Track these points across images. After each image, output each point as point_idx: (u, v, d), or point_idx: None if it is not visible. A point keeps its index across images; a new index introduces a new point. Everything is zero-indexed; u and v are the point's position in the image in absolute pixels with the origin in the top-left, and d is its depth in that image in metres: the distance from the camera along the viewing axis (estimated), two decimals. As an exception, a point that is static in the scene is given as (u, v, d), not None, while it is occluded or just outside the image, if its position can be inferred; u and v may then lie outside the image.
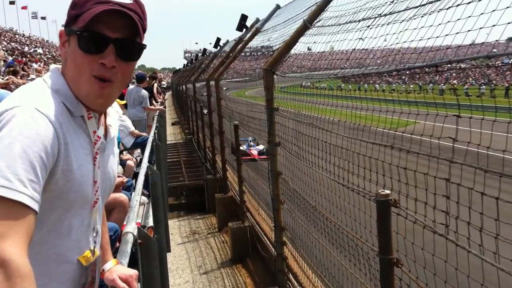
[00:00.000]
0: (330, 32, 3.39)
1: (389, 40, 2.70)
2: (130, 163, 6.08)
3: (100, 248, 1.42)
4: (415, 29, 2.43)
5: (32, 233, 1.00)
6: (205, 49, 13.84)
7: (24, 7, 79.78)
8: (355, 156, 2.80)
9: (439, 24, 2.16)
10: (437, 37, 2.16)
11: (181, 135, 19.14)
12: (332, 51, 3.77)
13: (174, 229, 8.24)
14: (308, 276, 3.90)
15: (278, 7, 5.27)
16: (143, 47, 1.25)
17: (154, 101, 11.21)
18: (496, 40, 1.90)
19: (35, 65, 20.05)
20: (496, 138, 1.94)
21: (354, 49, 3.07)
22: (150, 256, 2.34)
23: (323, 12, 3.32)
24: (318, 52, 3.93)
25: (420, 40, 2.38)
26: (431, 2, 2.26)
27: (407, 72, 2.95)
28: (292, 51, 3.82)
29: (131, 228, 2.18)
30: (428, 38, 2.25)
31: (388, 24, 2.68)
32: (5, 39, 32.08)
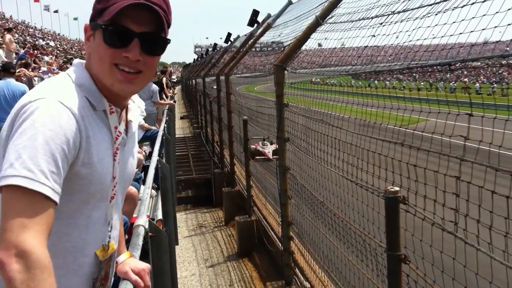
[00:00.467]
0: (342, 29, 3.39)
1: (401, 37, 2.70)
2: (140, 156, 6.14)
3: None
4: (428, 27, 2.43)
5: (51, 225, 1.02)
6: (215, 44, 13.84)
7: (37, 0, 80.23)
8: (365, 152, 2.80)
9: (453, 22, 2.16)
10: (451, 35, 2.15)
11: (189, 129, 19.22)
12: (343, 48, 3.77)
13: (181, 222, 8.31)
14: (315, 271, 3.92)
15: (290, 2, 5.26)
16: (168, 41, 1.25)
17: (164, 96, 11.27)
18: (511, 40, 1.89)
19: (46, 58, 20.22)
20: (508, 137, 1.94)
21: (367, 46, 3.07)
22: (160, 249, 2.37)
23: (335, 8, 3.32)
24: (329, 48, 3.93)
25: (434, 38, 2.37)
26: (445, 0, 2.26)
27: (419, 70, 2.94)
28: (303, 47, 3.82)
29: (142, 221, 2.20)
30: (442, 36, 2.24)
31: (401, 22, 2.68)
32: (17, 31, 32.34)
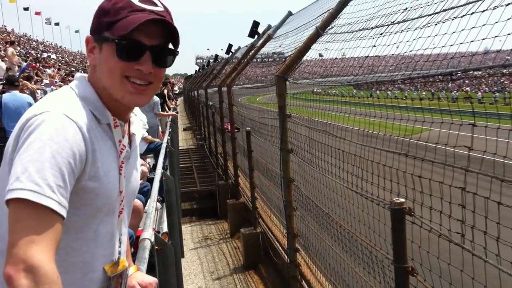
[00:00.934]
0: (342, 39, 3.40)
1: (401, 47, 2.71)
2: (144, 168, 6.13)
3: None
4: (428, 36, 2.43)
5: (59, 239, 1.01)
6: (216, 55, 13.93)
7: (38, 13, 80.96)
8: (369, 163, 2.79)
9: (453, 32, 2.16)
10: (452, 45, 2.16)
11: (192, 141, 19.24)
12: (344, 58, 3.78)
13: (187, 234, 8.27)
14: (322, 283, 3.88)
15: (290, 13, 5.29)
16: (176, 53, 1.27)
17: (166, 107, 11.31)
18: (511, 50, 1.89)
19: (48, 71, 20.37)
20: (512, 147, 1.92)
21: (368, 56, 3.08)
22: (166, 262, 2.36)
23: (335, 19, 3.33)
24: (330, 59, 3.94)
25: (434, 48, 2.38)
26: (444, 10, 2.26)
27: (420, 80, 2.94)
28: (304, 58, 3.84)
29: (148, 234, 2.21)
30: (442, 46, 2.24)
31: (401, 32, 2.69)
32: (20, 44, 32.67)
